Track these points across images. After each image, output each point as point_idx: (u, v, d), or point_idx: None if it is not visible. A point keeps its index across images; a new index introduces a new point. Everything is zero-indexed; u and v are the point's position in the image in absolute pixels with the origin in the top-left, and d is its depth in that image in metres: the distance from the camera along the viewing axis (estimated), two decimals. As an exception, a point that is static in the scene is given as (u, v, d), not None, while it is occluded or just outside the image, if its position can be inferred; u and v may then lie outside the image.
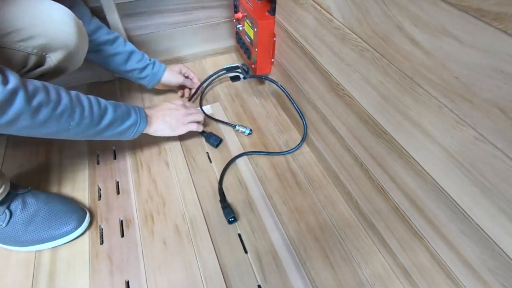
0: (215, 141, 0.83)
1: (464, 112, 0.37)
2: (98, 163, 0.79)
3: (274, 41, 0.85)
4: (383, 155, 0.54)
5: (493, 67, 0.32)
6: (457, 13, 0.34)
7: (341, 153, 0.68)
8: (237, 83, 1.05)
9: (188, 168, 0.78)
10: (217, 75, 0.99)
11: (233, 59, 1.14)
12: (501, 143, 0.34)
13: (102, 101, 0.61)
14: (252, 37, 0.87)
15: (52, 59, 0.63)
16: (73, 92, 0.56)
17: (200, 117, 0.83)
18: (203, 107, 0.94)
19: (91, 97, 0.59)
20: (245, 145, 0.85)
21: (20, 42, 0.58)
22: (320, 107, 0.71)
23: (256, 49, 0.87)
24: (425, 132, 0.43)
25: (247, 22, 0.88)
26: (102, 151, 0.82)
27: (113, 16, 0.87)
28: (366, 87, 0.53)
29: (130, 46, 0.83)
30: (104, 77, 1.02)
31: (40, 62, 0.63)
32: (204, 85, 0.99)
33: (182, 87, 0.98)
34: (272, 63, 0.92)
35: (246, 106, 0.96)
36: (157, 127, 0.74)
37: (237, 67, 1.02)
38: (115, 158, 0.80)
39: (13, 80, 0.46)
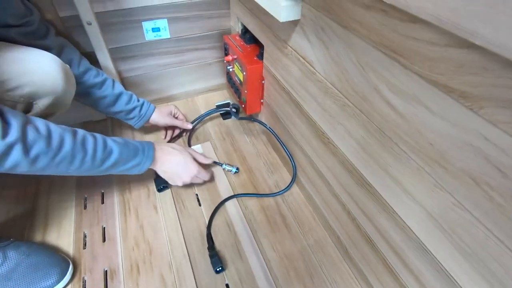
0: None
1: (441, 177, 0.38)
2: (85, 207, 0.78)
3: (263, 84, 0.88)
4: (369, 206, 0.54)
5: (463, 139, 0.33)
6: (428, 86, 0.36)
7: (329, 198, 0.68)
8: (228, 120, 1.06)
9: (177, 212, 0.77)
10: (208, 115, 1.00)
11: (224, 96, 1.17)
12: (477, 212, 0.34)
13: (109, 142, 0.60)
14: (242, 79, 0.89)
15: (39, 105, 0.64)
16: (79, 135, 0.56)
17: (207, 178, 0.82)
18: (193, 147, 0.95)
19: (99, 138, 0.59)
20: (234, 185, 0.85)
21: (7, 92, 0.59)
22: (308, 151, 0.72)
23: (246, 91, 0.89)
24: (406, 191, 0.44)
25: (236, 65, 0.91)
26: (90, 194, 0.81)
27: (106, 61, 0.89)
28: (349, 139, 0.54)
29: (118, 88, 0.83)
30: (96, 117, 1.03)
31: (27, 108, 0.64)
32: (195, 123, 1.00)
33: (169, 127, 0.98)
34: (262, 103, 0.94)
35: (236, 145, 0.97)
36: (162, 169, 0.73)
37: (228, 105, 1.04)
38: (103, 202, 0.79)
39: (13, 132, 0.46)
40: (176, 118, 0.97)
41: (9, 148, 0.46)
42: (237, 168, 0.87)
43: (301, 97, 0.68)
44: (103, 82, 0.80)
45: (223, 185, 0.84)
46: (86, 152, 0.55)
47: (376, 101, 0.44)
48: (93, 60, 0.89)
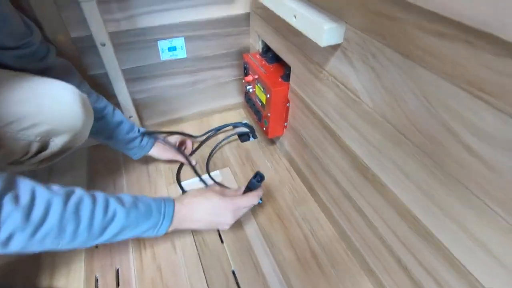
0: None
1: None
2: (96, 246, 0.71)
3: (288, 107, 0.81)
4: (430, 260, 0.46)
5: None
6: (534, 135, 0.29)
7: (370, 238, 0.60)
8: (246, 143, 1.00)
9: (197, 251, 0.70)
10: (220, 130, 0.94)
11: (241, 116, 1.10)
12: None
13: (112, 204, 0.48)
14: (264, 102, 0.83)
15: (57, 143, 0.58)
16: (73, 199, 0.44)
17: (256, 201, 0.66)
18: (212, 173, 0.88)
19: (100, 200, 0.47)
20: (258, 219, 0.77)
21: (22, 131, 0.53)
22: (343, 183, 0.65)
23: (269, 114, 0.82)
24: (490, 253, 0.37)
25: (258, 86, 0.85)
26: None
27: (119, 82, 0.84)
28: (404, 180, 0.47)
29: (118, 116, 0.76)
30: (107, 140, 0.97)
31: (43, 147, 0.58)
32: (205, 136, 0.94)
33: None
34: (285, 126, 0.87)
35: (257, 170, 0.90)
36: (195, 226, 0.60)
37: (246, 126, 0.97)
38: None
39: (9, 224, 0.38)
40: (184, 148, 0.92)
41: None
42: (261, 199, 0.80)
43: (338, 126, 0.61)
44: (103, 109, 0.73)
45: (246, 218, 0.77)
46: (80, 221, 0.43)
47: (450, 144, 0.38)
48: (105, 82, 0.84)
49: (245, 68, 0.91)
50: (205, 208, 0.59)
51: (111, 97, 0.88)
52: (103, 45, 0.74)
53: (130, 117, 0.93)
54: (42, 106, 0.54)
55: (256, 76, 0.84)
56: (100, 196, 0.48)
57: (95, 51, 0.76)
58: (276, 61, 0.86)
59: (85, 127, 0.62)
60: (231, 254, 0.70)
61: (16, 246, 0.39)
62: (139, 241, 0.71)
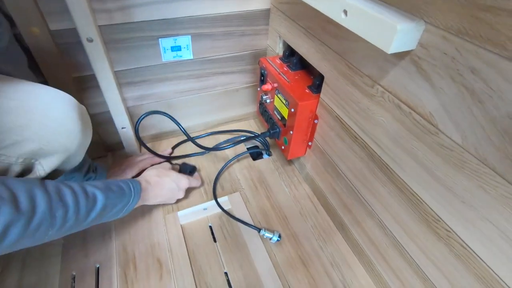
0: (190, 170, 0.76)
1: None
2: None
3: (315, 124, 0.67)
4: None
5: None
6: None
7: (431, 307, 0.46)
8: (259, 161, 0.85)
9: (201, 306, 0.55)
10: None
11: (251, 127, 0.96)
12: None
13: (90, 188, 0.47)
14: (286, 117, 0.69)
15: (44, 167, 0.46)
16: (51, 186, 0.41)
17: (199, 183, 0.75)
18: (219, 199, 0.73)
19: (76, 186, 0.45)
20: (276, 261, 0.62)
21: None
22: (394, 231, 0.50)
23: (291, 132, 0.68)
24: None
25: (278, 97, 0.70)
26: (80, 270, 0.59)
27: (109, 86, 0.68)
28: (503, 246, 0.33)
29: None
30: (94, 154, 0.81)
31: (25, 171, 0.45)
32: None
33: None
34: (309, 146, 0.72)
35: (273, 197, 0.75)
36: (156, 201, 0.64)
37: (256, 138, 0.82)
38: (97, 284, 0.57)
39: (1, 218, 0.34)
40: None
41: None
42: (279, 236, 0.66)
43: (395, 160, 0.46)
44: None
45: (262, 260, 0.62)
46: (67, 206, 0.42)
47: None
48: (93, 86, 0.69)
49: (262, 75, 0.76)
50: (168, 187, 0.66)
51: (101, 104, 0.73)
52: (90, 41, 0.59)
53: (122, 128, 0.78)
54: (29, 119, 0.42)
55: (276, 85, 0.70)
56: (73, 183, 0.45)
57: (81, 48, 0.61)
58: (301, 67, 0.71)
59: (81, 147, 0.51)
60: (243, 311, 0.55)
61: (10, 239, 0.36)
62: (126, 279, 0.57)
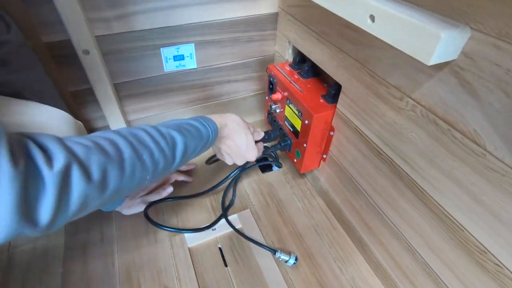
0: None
1: None
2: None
3: (331, 135, 0.62)
4: None
5: None
6: None
7: None
8: (268, 174, 0.80)
9: None
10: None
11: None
12: None
13: (164, 129, 0.43)
14: (299, 129, 0.64)
15: None
16: (127, 133, 0.39)
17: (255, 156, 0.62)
18: (229, 217, 0.68)
19: (149, 129, 0.42)
20: (292, 284, 0.58)
21: None
22: (427, 257, 0.46)
23: (305, 145, 0.63)
24: None
25: (290, 107, 0.65)
26: (81, 303, 0.54)
27: (108, 100, 0.64)
28: None
29: None
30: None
31: None
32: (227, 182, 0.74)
33: None
34: (324, 158, 0.68)
35: (285, 213, 0.71)
36: (225, 146, 0.57)
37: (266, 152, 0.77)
38: (100, 321, 0.52)
39: (59, 155, 0.30)
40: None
41: (65, 177, 0.30)
42: (296, 258, 0.61)
43: (426, 179, 0.42)
44: None
45: (277, 285, 0.57)
46: (151, 149, 0.40)
47: None
48: (92, 100, 0.64)
49: (270, 83, 0.72)
50: (239, 144, 0.57)
51: (99, 118, 0.69)
52: (87, 53, 0.55)
53: (123, 143, 0.73)
54: None
55: (287, 94, 0.65)
56: (144, 126, 0.42)
57: (77, 61, 0.57)
58: (314, 75, 0.67)
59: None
60: None
61: (114, 182, 0.35)
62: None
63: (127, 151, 0.37)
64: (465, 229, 0.38)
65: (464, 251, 0.39)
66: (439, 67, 0.35)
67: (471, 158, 0.35)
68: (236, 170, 0.73)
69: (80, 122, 0.50)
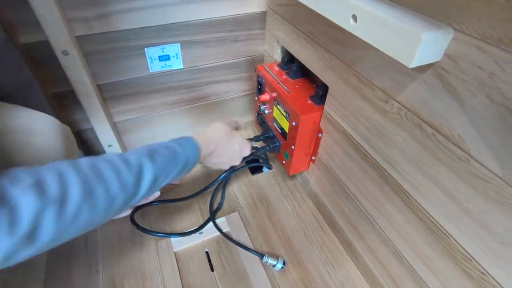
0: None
1: None
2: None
3: (319, 137, 0.61)
4: None
5: None
6: None
7: None
8: (259, 176, 0.79)
9: None
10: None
11: (250, 137, 0.89)
12: None
13: (130, 156, 0.39)
14: (287, 130, 0.62)
15: None
16: (84, 165, 0.34)
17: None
18: (217, 221, 0.67)
19: (114, 157, 0.38)
20: (280, 290, 0.57)
21: None
22: (415, 265, 0.44)
23: (293, 147, 0.62)
24: None
25: (278, 109, 0.64)
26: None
27: (91, 102, 0.62)
28: None
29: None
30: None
31: None
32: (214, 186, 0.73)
33: None
34: (313, 160, 0.66)
35: (274, 216, 0.69)
36: (213, 160, 0.54)
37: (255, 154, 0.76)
38: (81, 329, 0.51)
39: (25, 209, 0.27)
40: None
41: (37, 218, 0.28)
42: (284, 262, 0.60)
43: (414, 185, 0.40)
44: None
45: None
46: (107, 181, 0.35)
47: None
48: (74, 102, 0.63)
49: (259, 84, 0.70)
50: (232, 149, 0.56)
51: (83, 120, 0.67)
52: (66, 54, 0.53)
53: (109, 145, 0.71)
54: (11, 145, 0.41)
55: (275, 95, 0.64)
56: (110, 155, 0.38)
57: (56, 62, 0.55)
58: (302, 75, 0.65)
59: None
60: None
61: (47, 232, 0.29)
62: None
63: (74, 190, 0.32)
64: (451, 236, 0.37)
65: (450, 258, 0.38)
66: (422, 69, 0.34)
67: (455, 164, 0.33)
68: (226, 173, 0.71)
69: (67, 127, 0.50)
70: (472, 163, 0.31)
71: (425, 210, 0.39)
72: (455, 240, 0.36)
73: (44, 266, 0.59)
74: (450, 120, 0.33)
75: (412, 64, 0.30)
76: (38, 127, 0.45)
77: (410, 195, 0.41)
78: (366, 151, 0.48)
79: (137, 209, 0.67)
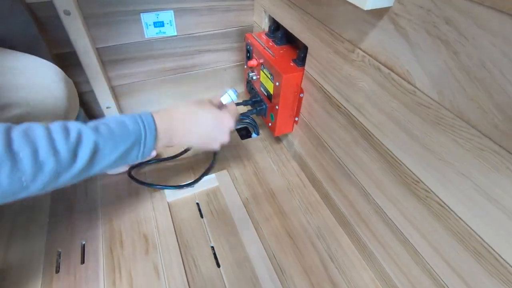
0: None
1: None
2: (57, 270, 0.55)
3: (301, 98, 0.66)
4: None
5: None
6: None
7: (413, 271, 0.46)
8: (247, 140, 0.85)
9: (186, 277, 0.55)
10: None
11: (241, 109, 0.95)
12: None
13: (73, 125, 0.36)
14: (272, 92, 0.68)
15: None
16: (17, 127, 0.32)
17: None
18: (207, 177, 0.73)
19: (54, 123, 0.35)
20: (264, 237, 0.62)
21: None
22: (377, 198, 0.51)
23: (277, 107, 0.67)
24: None
25: (264, 72, 0.69)
26: (65, 247, 0.59)
27: (91, 64, 0.67)
28: (486, 205, 0.33)
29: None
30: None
31: None
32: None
33: None
34: (296, 121, 0.72)
35: (261, 174, 0.75)
36: (184, 137, 0.47)
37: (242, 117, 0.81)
38: (82, 262, 0.57)
39: None
40: None
41: None
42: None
43: (375, 124, 0.46)
44: None
45: (248, 234, 0.62)
46: (35, 144, 0.32)
47: None
48: (75, 63, 0.68)
49: (247, 51, 0.75)
50: (206, 123, 0.48)
51: (84, 83, 0.72)
52: (68, 13, 0.58)
53: (107, 107, 0.77)
54: (18, 82, 0.45)
55: (262, 60, 0.69)
56: (53, 122, 0.35)
57: (59, 23, 0.60)
58: (287, 42, 0.71)
59: (68, 116, 0.53)
60: (229, 282, 0.55)
61: None
62: (113, 265, 0.56)
63: None
64: (403, 163, 0.42)
65: (404, 185, 0.44)
66: (379, 15, 0.39)
67: (405, 97, 0.39)
68: None
69: (70, 80, 0.54)
70: (418, 94, 0.37)
71: (385, 146, 0.45)
72: (407, 167, 0.42)
73: (48, 211, 0.64)
74: (401, 58, 0.38)
75: (367, 6, 0.35)
76: (43, 69, 0.50)
77: (373, 135, 0.47)
78: (339, 102, 0.53)
79: (134, 166, 0.73)
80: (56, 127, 0.34)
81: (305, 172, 0.75)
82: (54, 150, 0.33)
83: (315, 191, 0.71)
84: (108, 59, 0.72)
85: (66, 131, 0.34)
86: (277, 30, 0.72)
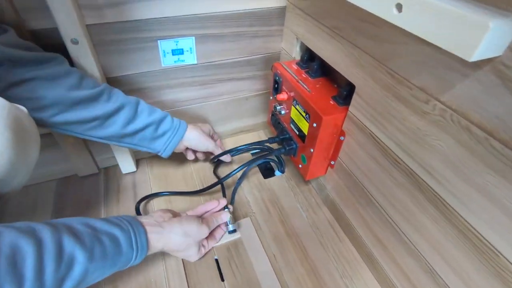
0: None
1: None
2: None
3: (341, 141, 0.57)
4: None
5: None
6: None
7: None
8: (271, 179, 0.75)
9: None
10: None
11: (261, 138, 0.86)
12: None
13: (68, 244, 0.34)
14: (306, 132, 0.59)
15: None
16: (5, 246, 0.29)
17: (225, 218, 0.61)
18: (230, 225, 0.63)
19: (47, 243, 0.33)
20: (295, 304, 0.53)
21: None
22: (452, 285, 0.40)
23: (312, 150, 0.58)
24: None
25: (297, 109, 0.60)
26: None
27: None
28: None
29: (127, 98, 0.56)
30: (83, 171, 0.72)
31: None
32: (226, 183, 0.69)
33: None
34: (332, 165, 0.62)
35: (288, 222, 0.65)
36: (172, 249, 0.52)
37: (269, 155, 0.72)
38: None
39: None
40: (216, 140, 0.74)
41: None
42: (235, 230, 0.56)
43: (453, 194, 0.36)
44: (116, 110, 0.54)
45: (278, 304, 0.52)
46: (23, 278, 0.30)
47: None
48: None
49: (276, 82, 0.67)
50: (174, 238, 0.51)
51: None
52: (76, 43, 0.50)
53: (116, 142, 0.68)
54: None
55: (294, 94, 0.60)
56: (46, 236, 0.33)
57: (66, 51, 0.52)
58: (322, 74, 0.62)
59: (15, 167, 0.36)
60: None
61: None
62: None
63: None
64: (501, 253, 0.33)
65: (498, 279, 0.34)
66: (477, 65, 0.30)
67: (510, 170, 0.30)
68: (237, 169, 0.67)
69: (23, 109, 0.38)
70: (536, 172, 0.28)
71: (467, 222, 0.35)
72: (506, 258, 0.32)
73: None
74: (508, 121, 0.29)
75: (473, 58, 0.26)
76: None
77: (448, 205, 0.37)
78: (398, 157, 0.44)
79: (143, 199, 0.65)
80: (49, 249, 0.32)
81: (339, 223, 0.65)
82: (40, 282, 0.31)
83: (354, 249, 0.61)
84: (120, 89, 0.63)
85: (59, 256, 0.33)
86: (311, 61, 0.63)
